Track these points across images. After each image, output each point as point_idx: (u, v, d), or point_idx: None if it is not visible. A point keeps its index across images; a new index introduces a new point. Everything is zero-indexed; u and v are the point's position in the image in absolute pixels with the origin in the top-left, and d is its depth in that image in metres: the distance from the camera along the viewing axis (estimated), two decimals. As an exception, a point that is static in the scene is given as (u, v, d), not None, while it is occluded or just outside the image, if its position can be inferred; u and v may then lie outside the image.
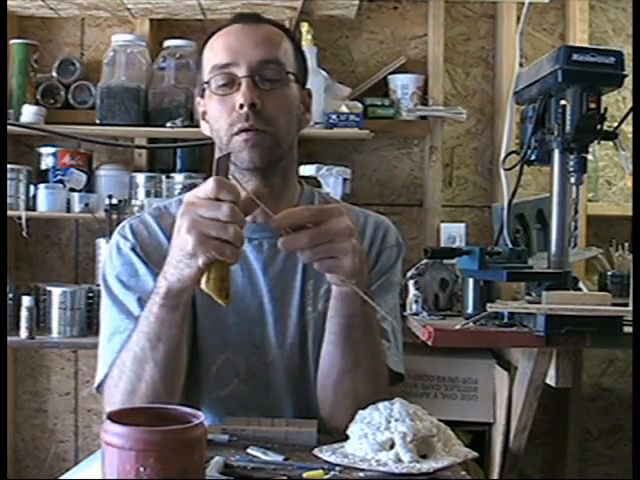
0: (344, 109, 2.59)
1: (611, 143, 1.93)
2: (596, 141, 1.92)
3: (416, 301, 2.21)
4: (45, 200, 2.55)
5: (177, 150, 2.71)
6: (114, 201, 2.54)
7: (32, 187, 2.60)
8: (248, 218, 1.04)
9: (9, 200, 2.54)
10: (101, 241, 2.60)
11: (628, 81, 1.93)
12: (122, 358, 1.18)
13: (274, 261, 1.32)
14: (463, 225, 2.69)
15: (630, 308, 1.79)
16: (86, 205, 2.58)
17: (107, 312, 1.29)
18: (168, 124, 2.57)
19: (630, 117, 1.95)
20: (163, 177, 2.64)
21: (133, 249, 1.31)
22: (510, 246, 2.00)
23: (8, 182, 2.54)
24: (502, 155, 2.09)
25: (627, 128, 2.52)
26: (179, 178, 2.63)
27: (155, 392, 1.15)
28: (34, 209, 2.57)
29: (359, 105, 2.65)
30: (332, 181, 2.56)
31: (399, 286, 1.42)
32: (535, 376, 2.01)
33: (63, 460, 2.88)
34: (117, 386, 1.19)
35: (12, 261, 2.77)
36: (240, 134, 1.25)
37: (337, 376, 1.21)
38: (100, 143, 2.67)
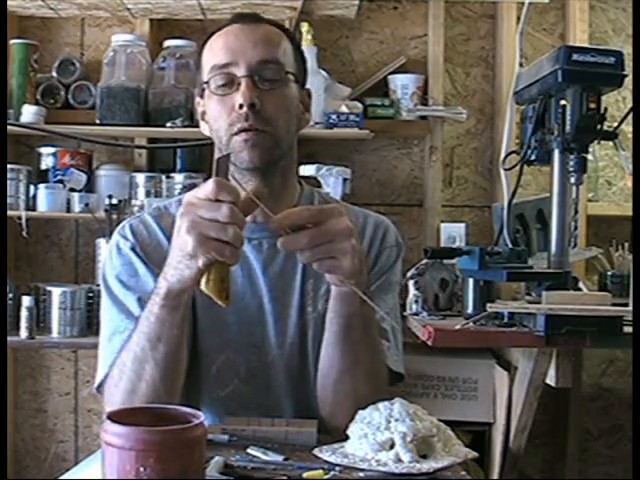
0: (344, 109, 2.59)
1: (611, 143, 1.93)
2: (596, 141, 1.92)
3: (416, 301, 2.21)
4: (45, 200, 2.55)
5: (177, 150, 2.71)
6: (114, 201, 2.54)
7: (32, 187, 2.60)
8: (248, 218, 1.04)
9: (9, 200, 2.54)
10: (101, 241, 2.60)
11: (628, 81, 1.93)
12: (122, 358, 1.18)
13: (274, 261, 1.32)
14: (463, 225, 2.69)
15: (630, 308, 1.79)
16: (86, 205, 2.58)
17: (107, 312, 1.30)
18: (168, 124, 2.57)
19: (630, 117, 1.95)
20: (163, 177, 2.64)
21: (133, 249, 1.31)
22: (510, 246, 2.00)
23: (8, 182, 2.54)
24: (502, 155, 2.09)
25: (627, 128, 2.52)
26: (179, 178, 2.63)
27: (155, 392, 1.16)
28: (34, 209, 2.57)
29: (359, 105, 2.65)
30: (332, 181, 2.56)
31: (399, 286, 1.42)
32: (535, 376, 2.01)
33: (63, 460, 2.88)
34: (117, 386, 1.19)
35: (12, 261, 2.77)
36: (240, 134, 1.25)
37: (337, 376, 1.21)
38: (100, 143, 2.67)
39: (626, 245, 2.63)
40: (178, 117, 2.57)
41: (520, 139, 2.05)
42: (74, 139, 2.60)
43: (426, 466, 1.02)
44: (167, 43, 2.68)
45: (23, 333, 2.43)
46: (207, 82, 1.28)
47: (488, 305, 1.82)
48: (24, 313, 2.43)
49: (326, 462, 1.05)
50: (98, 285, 2.42)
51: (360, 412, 1.10)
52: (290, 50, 1.31)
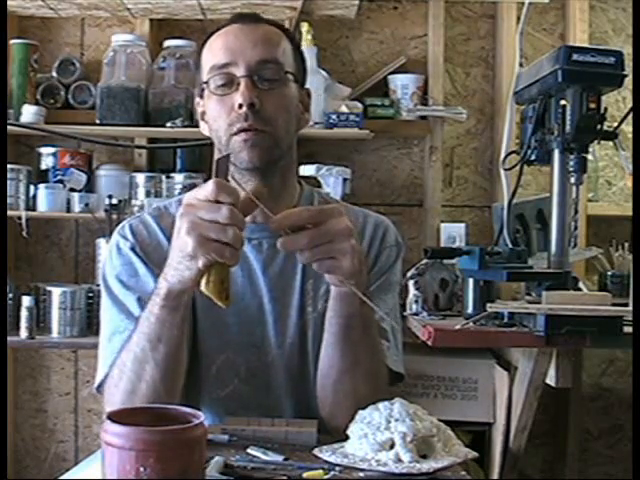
0: (344, 109, 2.59)
1: (611, 143, 1.93)
2: (596, 141, 1.92)
3: (416, 301, 2.21)
4: (45, 200, 2.55)
5: (177, 150, 2.71)
6: (114, 201, 2.54)
7: (32, 187, 2.60)
8: (248, 218, 1.04)
9: (9, 200, 2.54)
10: (101, 241, 2.60)
11: (628, 81, 1.93)
12: (122, 358, 1.18)
13: (274, 261, 1.32)
14: (463, 225, 2.69)
15: (630, 308, 1.79)
16: (86, 205, 2.58)
17: (107, 312, 1.30)
18: (168, 124, 2.57)
19: (630, 117, 1.95)
20: (163, 177, 2.64)
21: (133, 249, 1.31)
22: (510, 246, 2.00)
23: (8, 182, 2.54)
24: (502, 155, 2.09)
25: (627, 128, 2.52)
26: (179, 178, 2.63)
27: (155, 392, 1.16)
28: (34, 209, 2.57)
29: (359, 105, 2.65)
30: (332, 181, 2.56)
31: (399, 286, 1.42)
32: (535, 376, 2.01)
33: (63, 460, 2.88)
34: (117, 386, 1.19)
35: (12, 261, 2.77)
36: (239, 134, 1.25)
37: (336, 376, 1.21)
38: (100, 143, 2.67)
39: (626, 245, 2.63)
40: (178, 117, 2.57)
41: (520, 139, 2.05)
42: (74, 139, 2.60)
43: (426, 466, 1.02)
44: (167, 43, 2.68)
45: (23, 333, 2.43)
46: (206, 82, 1.28)
47: (488, 305, 1.82)
48: (24, 313, 2.43)
49: (326, 462, 1.05)
50: (98, 285, 2.42)
51: (360, 412, 1.10)
52: (289, 50, 1.31)
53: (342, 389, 1.21)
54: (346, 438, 1.10)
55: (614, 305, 1.80)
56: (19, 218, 2.54)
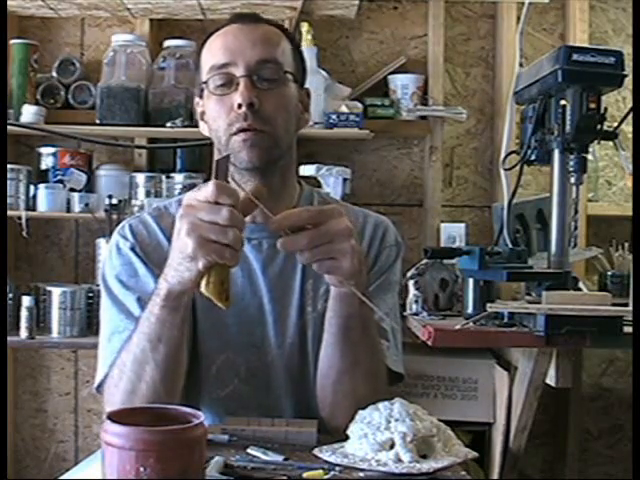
0: (344, 109, 2.59)
1: (611, 143, 1.93)
2: (596, 141, 1.92)
3: (416, 301, 2.21)
4: (45, 200, 2.55)
5: (177, 150, 2.71)
6: (114, 201, 2.54)
7: (32, 187, 2.60)
8: (247, 218, 1.04)
9: (9, 200, 2.54)
10: (101, 241, 2.60)
11: (628, 81, 1.93)
12: (122, 358, 1.18)
13: (273, 261, 1.32)
14: (463, 225, 2.69)
15: (630, 308, 1.79)
16: (86, 205, 2.58)
17: (107, 312, 1.30)
18: (168, 124, 2.57)
19: (630, 117, 1.95)
20: (163, 177, 2.64)
21: (133, 249, 1.31)
22: (510, 246, 2.00)
23: (8, 182, 2.54)
24: (502, 155, 2.09)
25: (627, 128, 2.52)
26: (179, 178, 2.63)
27: (155, 393, 1.16)
28: (34, 209, 2.57)
29: (359, 105, 2.65)
30: (332, 181, 2.55)
31: (398, 286, 1.42)
32: (535, 376, 2.01)
33: (63, 460, 2.88)
34: (117, 386, 1.19)
35: (12, 261, 2.77)
36: (239, 134, 1.25)
37: (336, 376, 1.21)
38: (100, 143, 2.67)
39: (626, 245, 2.63)
40: (178, 117, 2.57)
41: (520, 139, 2.05)
42: (74, 139, 2.60)
43: (426, 466, 1.02)
44: (167, 43, 2.68)
45: (23, 333, 2.43)
46: (206, 82, 1.28)
47: (488, 305, 1.82)
48: (24, 313, 2.43)
49: (326, 462, 1.05)
50: (98, 285, 2.42)
51: (360, 412, 1.10)
52: (289, 50, 1.31)
53: (342, 389, 1.21)
54: (346, 438, 1.10)
55: (614, 305, 1.80)
56: (19, 218, 2.54)
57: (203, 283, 1.03)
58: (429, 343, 1.85)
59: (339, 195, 2.49)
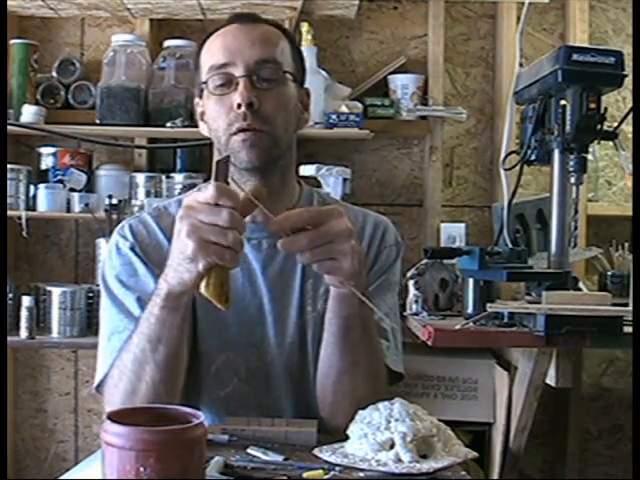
0: (344, 109, 2.59)
1: (611, 143, 1.93)
2: (596, 141, 1.92)
3: (416, 301, 2.21)
4: (45, 200, 2.55)
5: (177, 150, 2.71)
6: (114, 201, 2.54)
7: (32, 187, 2.60)
8: (247, 218, 1.04)
9: (9, 200, 2.54)
10: (101, 241, 2.60)
11: (628, 81, 1.93)
12: (122, 359, 1.18)
13: (273, 261, 1.32)
14: (463, 225, 2.69)
15: (630, 308, 1.79)
16: (86, 205, 2.58)
17: (106, 312, 1.30)
18: (168, 124, 2.57)
19: (630, 117, 1.95)
20: (163, 177, 2.64)
21: (132, 249, 1.31)
22: (510, 246, 2.00)
23: (8, 182, 2.54)
24: (502, 155, 2.09)
25: (627, 128, 2.52)
26: (179, 178, 2.63)
27: (155, 393, 1.16)
28: (34, 209, 2.57)
29: (359, 105, 2.65)
30: (332, 181, 2.55)
31: (398, 286, 1.42)
32: (535, 376, 2.01)
33: (63, 460, 2.88)
34: (117, 386, 1.19)
35: (12, 261, 2.77)
36: (238, 134, 1.25)
37: (336, 376, 1.21)
38: (100, 143, 2.67)
39: (626, 245, 2.63)
40: (178, 117, 2.57)
41: (520, 139, 2.05)
42: (74, 139, 2.60)
43: (426, 466, 1.02)
44: (167, 43, 2.68)
45: (23, 333, 2.43)
46: (205, 82, 1.28)
47: (488, 305, 1.82)
48: (24, 313, 2.43)
49: (326, 462, 1.05)
50: (98, 285, 2.42)
51: (360, 412, 1.10)
52: (288, 49, 1.31)
53: (342, 389, 1.21)
54: (346, 438, 1.10)
55: (614, 305, 1.80)
56: (19, 218, 2.54)
57: (203, 284, 1.03)
58: (429, 343, 1.85)
59: (339, 195, 2.49)
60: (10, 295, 2.49)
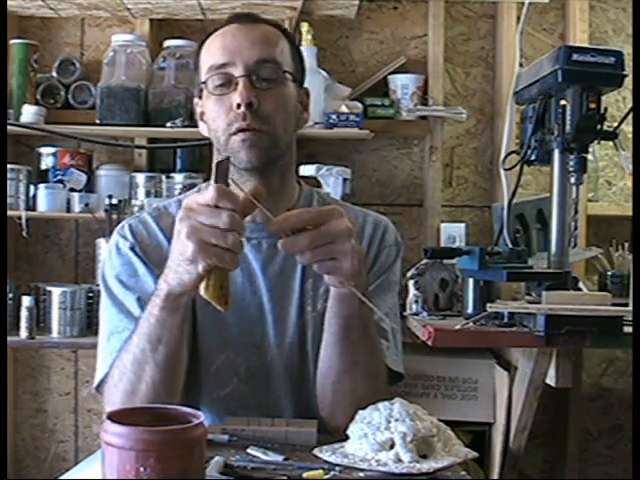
0: (344, 109, 2.59)
1: (611, 143, 1.93)
2: (596, 141, 1.92)
3: (416, 301, 2.21)
4: (45, 200, 2.55)
5: (177, 150, 2.71)
6: (114, 201, 2.54)
7: (32, 187, 2.60)
8: (247, 218, 1.04)
9: (9, 200, 2.54)
10: (101, 241, 2.60)
11: (628, 81, 1.93)
12: (122, 359, 1.18)
13: (273, 260, 1.32)
14: (463, 225, 2.69)
15: (630, 308, 1.79)
16: (86, 205, 2.58)
17: (106, 312, 1.30)
18: (168, 124, 2.57)
19: (630, 117, 1.95)
20: (163, 177, 2.64)
21: (132, 249, 1.31)
22: (510, 246, 2.00)
23: (8, 182, 2.54)
24: (502, 155, 2.09)
25: (627, 128, 2.52)
26: (179, 178, 2.63)
27: (155, 393, 1.16)
28: (34, 209, 2.57)
29: (359, 105, 2.65)
30: (332, 181, 2.55)
31: (398, 285, 1.42)
32: (535, 376, 2.01)
33: (63, 460, 2.88)
34: (117, 387, 1.19)
35: (12, 261, 2.77)
36: (238, 134, 1.25)
37: (336, 377, 1.21)
38: (100, 143, 2.67)
39: (626, 245, 2.63)
40: (178, 117, 2.57)
41: (520, 139, 2.05)
42: (74, 139, 2.60)
43: (426, 466, 1.02)
44: (167, 43, 2.68)
45: (23, 333, 2.43)
46: (205, 82, 1.28)
47: (488, 305, 1.82)
48: (24, 313, 2.43)
49: (326, 462, 1.05)
50: (98, 285, 2.42)
51: (360, 412, 1.10)
52: (287, 49, 1.31)
53: (341, 389, 1.21)
54: (346, 438, 1.10)
55: (614, 305, 1.80)
56: (19, 218, 2.54)
57: (202, 286, 1.03)
58: (429, 343, 1.85)
59: (339, 195, 2.49)
60: (10, 295, 2.49)
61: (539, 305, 1.78)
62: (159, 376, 1.15)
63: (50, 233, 2.85)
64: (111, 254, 1.32)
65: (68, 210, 2.59)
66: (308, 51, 2.48)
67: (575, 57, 1.83)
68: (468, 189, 2.91)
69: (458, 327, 1.84)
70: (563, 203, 1.92)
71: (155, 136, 2.70)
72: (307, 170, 2.51)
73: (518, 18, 2.54)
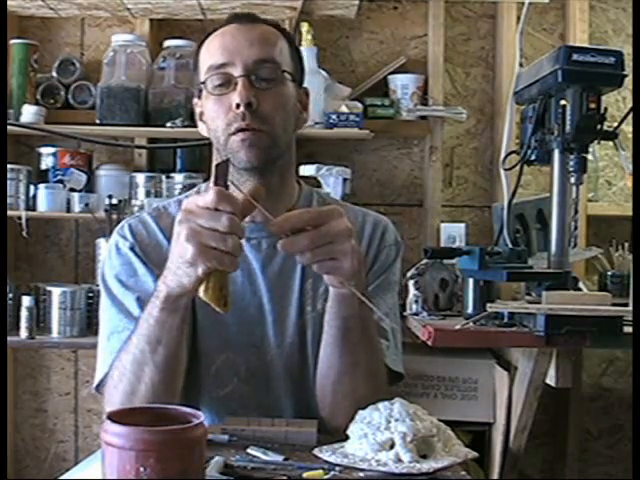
0: (344, 109, 2.59)
1: (611, 143, 1.93)
2: (596, 141, 1.92)
3: (416, 301, 2.21)
4: (45, 200, 2.55)
5: (177, 150, 2.71)
6: (114, 201, 2.54)
7: (32, 187, 2.60)
8: (247, 218, 1.04)
9: (9, 200, 2.54)
10: (101, 241, 2.60)
11: (628, 81, 1.93)
12: (122, 360, 1.18)
13: (273, 260, 1.32)
14: (463, 225, 2.69)
15: (630, 308, 1.79)
16: (86, 205, 2.58)
17: (106, 312, 1.30)
18: (168, 124, 2.57)
19: (630, 117, 1.95)
20: (163, 177, 2.64)
21: (132, 249, 1.31)
22: (510, 246, 2.00)
23: (8, 182, 2.54)
24: (502, 155, 2.09)
25: (627, 128, 2.52)
26: (179, 178, 2.63)
27: (155, 394, 1.15)
28: (34, 209, 2.57)
29: (359, 105, 2.65)
30: (332, 181, 2.55)
31: (398, 285, 1.42)
32: (535, 376, 2.01)
33: (63, 460, 2.88)
34: (117, 387, 1.19)
35: (12, 261, 2.77)
36: (237, 134, 1.25)
37: (336, 377, 1.21)
38: (100, 143, 2.67)
39: (626, 245, 2.62)
40: (178, 117, 2.57)
41: (520, 139, 2.05)
42: (74, 139, 2.60)
43: (426, 466, 1.02)
44: (167, 43, 2.68)
45: (23, 333, 2.43)
46: (204, 82, 1.28)
47: (488, 305, 1.82)
48: (24, 313, 2.43)
49: (326, 462, 1.05)
50: (98, 285, 2.40)
51: (360, 412, 1.10)
52: (287, 49, 1.31)
53: (341, 389, 1.21)
54: (346, 438, 1.09)
55: (614, 305, 1.80)
56: (19, 218, 2.54)
57: (202, 288, 1.03)
58: (429, 343, 1.85)
59: (339, 195, 2.49)
60: (10, 295, 2.49)
61: (539, 305, 1.78)
62: (158, 377, 1.15)
63: (50, 233, 2.85)
64: (111, 254, 1.32)
65: (68, 210, 2.59)
66: (308, 51, 2.48)
67: (575, 57, 1.83)
68: (468, 189, 2.91)
69: (458, 327, 1.84)
70: (563, 203, 1.92)
71: (155, 136, 2.70)
72: (307, 170, 2.51)
73: (518, 18, 2.54)
